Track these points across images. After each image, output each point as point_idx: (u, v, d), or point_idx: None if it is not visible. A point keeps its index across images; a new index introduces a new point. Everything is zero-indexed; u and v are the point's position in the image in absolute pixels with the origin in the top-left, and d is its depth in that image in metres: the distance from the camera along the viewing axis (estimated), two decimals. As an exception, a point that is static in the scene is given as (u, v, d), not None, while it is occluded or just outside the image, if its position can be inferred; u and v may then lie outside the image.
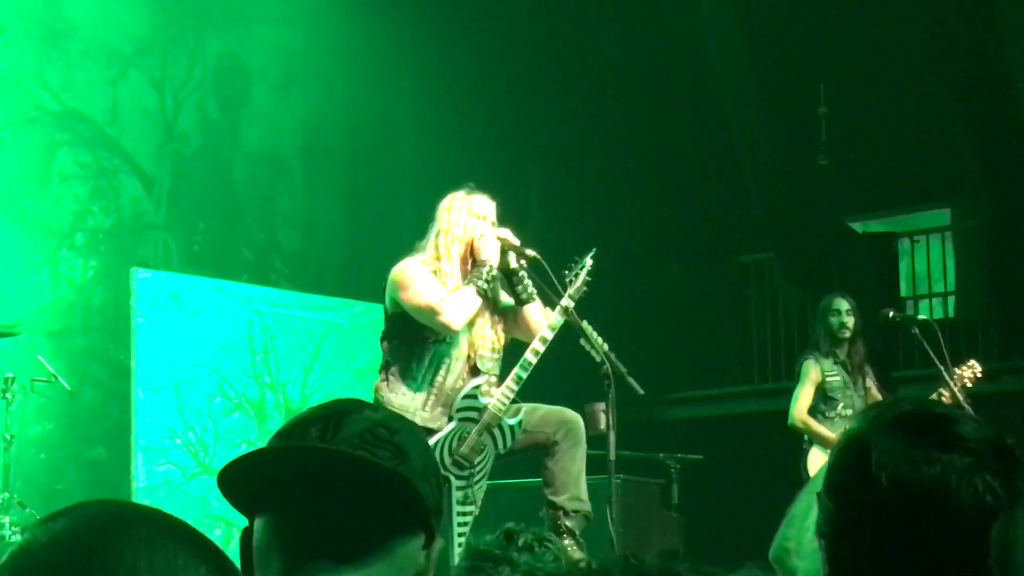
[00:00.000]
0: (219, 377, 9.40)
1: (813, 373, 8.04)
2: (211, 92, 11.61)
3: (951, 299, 13.28)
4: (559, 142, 12.38)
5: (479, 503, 6.02)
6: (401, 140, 12.07)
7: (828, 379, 8.05)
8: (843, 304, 8.28)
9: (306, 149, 12.19)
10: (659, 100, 12.30)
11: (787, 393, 11.98)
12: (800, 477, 7.69)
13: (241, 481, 1.78)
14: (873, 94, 12.26)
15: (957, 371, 7.79)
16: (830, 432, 7.87)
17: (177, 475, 9.09)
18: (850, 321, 8.23)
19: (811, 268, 12.39)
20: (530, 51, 12.11)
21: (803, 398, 8.02)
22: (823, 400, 8.10)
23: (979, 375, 7.85)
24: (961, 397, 7.65)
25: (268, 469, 1.79)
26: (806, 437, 8.09)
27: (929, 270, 13.10)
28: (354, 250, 11.85)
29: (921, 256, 13.03)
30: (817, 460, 7.79)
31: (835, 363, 8.08)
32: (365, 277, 10.23)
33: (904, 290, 13.08)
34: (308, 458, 1.79)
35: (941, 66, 11.64)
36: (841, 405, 8.02)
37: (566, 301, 5.94)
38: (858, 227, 13.19)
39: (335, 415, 1.83)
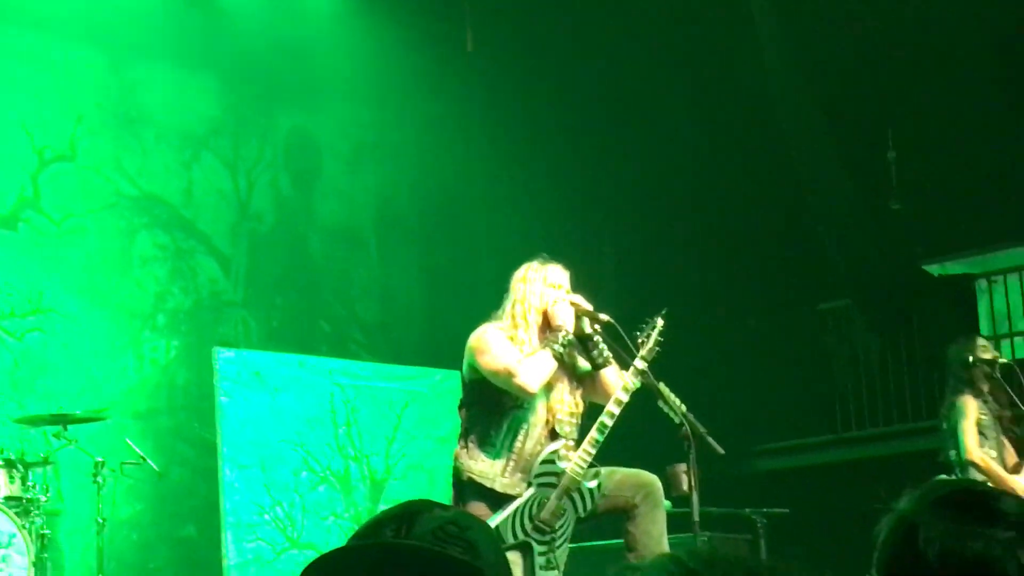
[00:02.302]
0: (304, 451, 9.41)
1: (973, 409, 7.86)
2: (283, 169, 11.72)
3: (1033, 338, 13.10)
4: (631, 204, 12.39)
5: (562, 567, 6.01)
6: (473, 208, 12.12)
7: (981, 417, 7.89)
8: (985, 343, 8.16)
9: (380, 221, 12.26)
10: (728, 155, 12.29)
11: (872, 441, 12.00)
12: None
13: None
14: (943, 135, 12.16)
15: None
16: (1009, 477, 7.79)
17: (267, 551, 9.11)
18: (998, 358, 8.15)
19: (890, 313, 12.30)
20: (597, 117, 12.14)
21: (972, 434, 7.79)
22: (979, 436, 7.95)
23: None
24: None
25: (346, 569, 1.82)
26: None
27: (1009, 309, 12.94)
28: (432, 318, 11.87)
29: (1000, 295, 12.89)
30: None
31: (984, 402, 7.93)
32: (444, 345, 10.26)
33: (984, 330, 12.89)
34: (384, 555, 1.81)
35: (1011, 105, 11.56)
36: (988, 446, 7.88)
37: (639, 363, 5.95)
38: (935, 269, 13.06)
39: (408, 515, 1.86)
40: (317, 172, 11.93)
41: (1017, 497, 1.98)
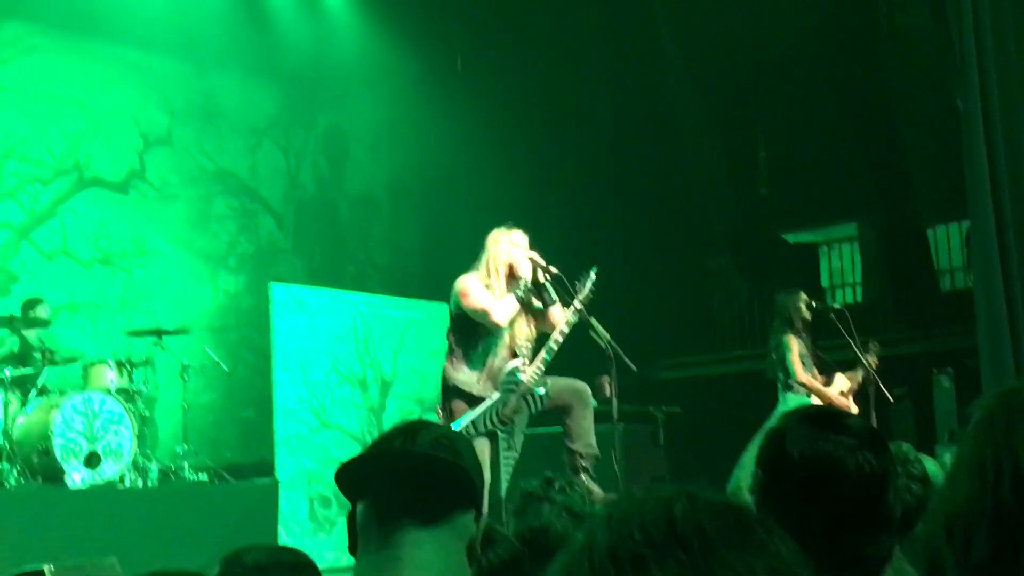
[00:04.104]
0: (333, 359, 9.39)
1: (796, 345, 7.82)
2: (322, 153, 11.69)
3: (859, 288, 13.21)
4: (572, 181, 12.36)
5: (519, 449, 5.98)
6: (458, 183, 12.09)
7: (802, 350, 7.88)
8: (806, 297, 8.18)
9: (391, 191, 12.24)
10: (641, 150, 12.26)
11: (742, 359, 12.05)
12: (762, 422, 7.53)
13: (352, 477, 1.83)
14: (799, 139, 12.20)
15: (868, 356, 7.82)
16: (827, 389, 7.82)
17: (304, 429, 9.10)
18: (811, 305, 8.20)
19: (756, 269, 12.35)
20: (546, 123, 12.08)
21: (799, 363, 7.77)
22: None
23: (877, 360, 7.87)
24: (871, 370, 7.71)
25: (369, 468, 1.85)
26: (781, 390, 7.89)
27: (842, 267, 13.04)
28: (427, 263, 11.87)
29: (836, 257, 12.99)
30: None
31: (800, 338, 7.90)
32: (436, 283, 10.25)
33: (824, 282, 13.03)
34: (397, 460, 1.84)
35: (847, 119, 11.61)
36: (805, 370, 7.85)
37: (578, 304, 5.91)
38: (790, 238, 13.14)
39: (412, 429, 1.88)
40: (346, 155, 11.89)
41: (859, 418, 2.02)
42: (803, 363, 7.85)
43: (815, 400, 7.80)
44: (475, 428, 5.80)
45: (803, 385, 7.81)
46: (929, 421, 9.55)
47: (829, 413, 1.98)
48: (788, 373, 7.84)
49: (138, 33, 9.95)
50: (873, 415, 7.81)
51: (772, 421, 2.38)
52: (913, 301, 11.61)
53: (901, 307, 11.67)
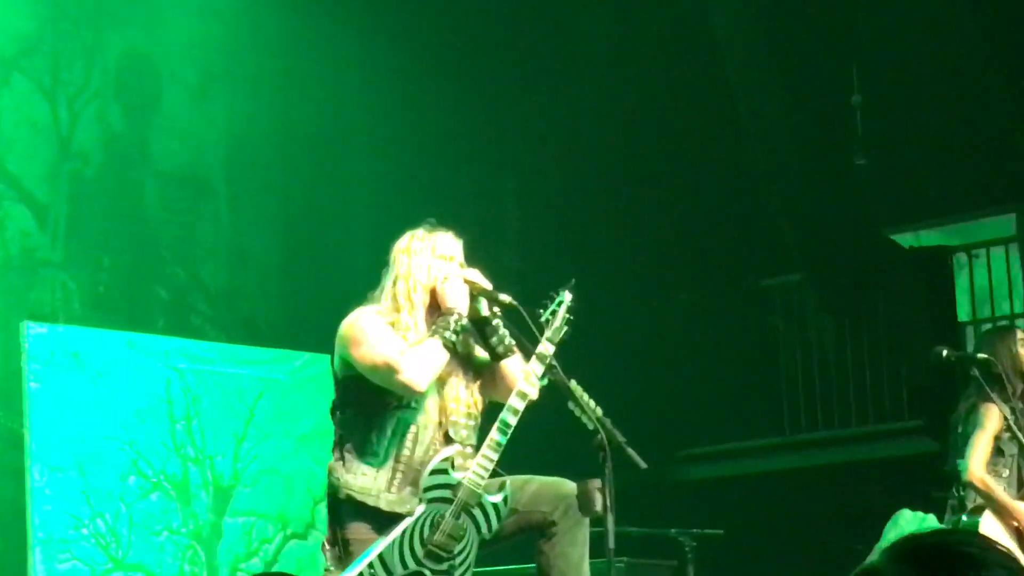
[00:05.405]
0: (133, 452, 9.39)
1: (997, 421, 7.81)
2: (114, 99, 11.61)
3: (1020, 322, 13.26)
4: (540, 148, 12.39)
5: None
6: (347, 150, 12.09)
7: (1007, 429, 7.86)
8: None
9: (231, 165, 12.19)
10: (660, 91, 12.32)
11: (826, 446, 12.13)
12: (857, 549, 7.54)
13: None
14: (918, 80, 12.26)
15: None
16: (1011, 501, 7.82)
17: (85, 572, 9.08)
18: None
19: (849, 291, 12.41)
20: (504, 40, 12.13)
21: (983, 450, 7.76)
22: (993, 452, 7.89)
23: None
24: None
25: None
26: (959, 494, 7.92)
27: (991, 286, 13.10)
28: (293, 288, 11.85)
29: (982, 272, 13.05)
30: (991, 529, 7.67)
31: (1012, 409, 7.86)
32: (307, 321, 10.25)
33: (962, 314, 13.08)
34: None
35: (997, 51, 11.70)
36: (1003, 464, 7.87)
37: (544, 346, 5.95)
38: (905, 240, 13.18)
39: None
40: (156, 104, 11.83)
41: (1005, 561, 1.97)
42: (1000, 450, 7.85)
43: (987, 520, 7.79)
44: (387, 570, 5.76)
45: (973, 486, 7.82)
46: None
47: (952, 554, 1.96)
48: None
49: None
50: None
51: (875, 555, 2.37)
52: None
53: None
